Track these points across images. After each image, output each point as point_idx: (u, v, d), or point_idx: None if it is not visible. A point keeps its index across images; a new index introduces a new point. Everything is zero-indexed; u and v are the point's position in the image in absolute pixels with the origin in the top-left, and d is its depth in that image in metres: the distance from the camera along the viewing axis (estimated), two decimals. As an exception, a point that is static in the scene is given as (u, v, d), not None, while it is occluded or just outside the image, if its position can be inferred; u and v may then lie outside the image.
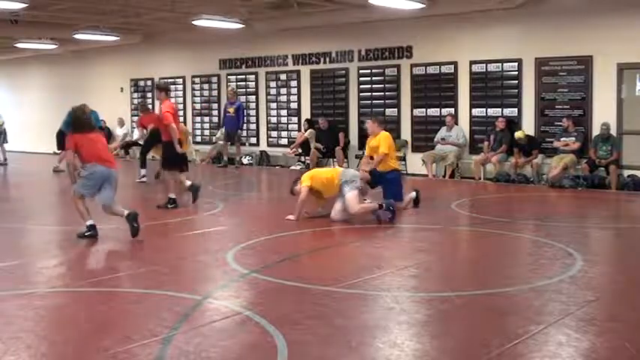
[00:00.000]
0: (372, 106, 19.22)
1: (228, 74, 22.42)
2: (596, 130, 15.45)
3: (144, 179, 16.01)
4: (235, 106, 19.70)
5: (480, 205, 10.35)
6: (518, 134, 15.80)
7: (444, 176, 17.19)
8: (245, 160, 20.02)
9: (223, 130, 20.18)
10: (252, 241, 9.18)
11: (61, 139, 18.95)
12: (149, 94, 24.13)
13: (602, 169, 15.07)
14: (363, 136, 19.10)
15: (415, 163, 17.92)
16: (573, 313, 5.88)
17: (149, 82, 24.48)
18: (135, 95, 25.13)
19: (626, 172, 15.10)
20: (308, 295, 6.52)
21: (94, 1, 17.32)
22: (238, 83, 22.04)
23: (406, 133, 18.62)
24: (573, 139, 15.47)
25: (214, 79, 22.84)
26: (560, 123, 15.81)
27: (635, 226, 11.17)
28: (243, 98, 21.13)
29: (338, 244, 9.24)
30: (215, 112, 22.89)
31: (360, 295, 6.50)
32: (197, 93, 23.46)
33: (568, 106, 15.97)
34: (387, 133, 12.17)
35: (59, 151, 18.67)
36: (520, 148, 15.99)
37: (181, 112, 23.69)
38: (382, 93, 19.07)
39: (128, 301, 6.58)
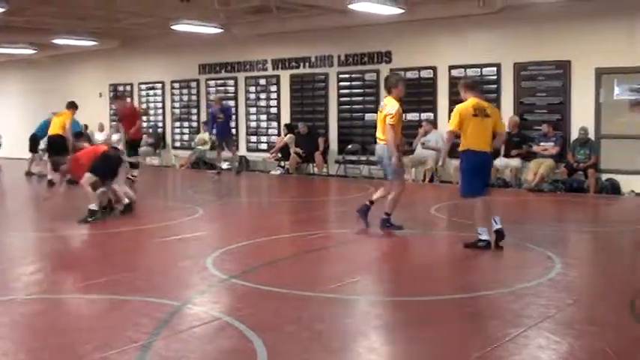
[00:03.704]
0: (352, 111, 19.24)
1: (208, 79, 22.38)
2: (574, 135, 15.54)
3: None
4: (223, 110, 19.41)
5: (458, 210, 10.41)
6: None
7: (424, 180, 17.21)
8: (224, 165, 19.96)
9: (214, 137, 19.86)
10: (232, 246, 9.15)
11: (34, 142, 19.01)
12: (128, 100, 24.04)
13: (581, 172, 15.16)
14: (342, 141, 19.18)
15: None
16: (552, 316, 5.90)
17: (128, 87, 24.42)
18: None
19: (605, 176, 15.20)
20: (287, 300, 6.50)
21: (72, 6, 17.22)
22: (218, 88, 22.00)
23: (386, 138, 18.60)
24: (552, 143, 15.54)
25: (193, 84, 22.79)
26: (539, 127, 15.89)
27: (614, 229, 11.23)
28: (213, 104, 21.02)
29: (316, 249, 9.23)
30: (194, 117, 22.84)
31: (339, 299, 6.50)
32: (176, 98, 23.39)
33: (547, 111, 16.06)
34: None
35: (31, 155, 19.23)
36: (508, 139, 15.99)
37: (160, 117, 23.70)
38: (362, 98, 19.09)
39: (107, 307, 6.53)
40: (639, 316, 5.96)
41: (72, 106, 16.91)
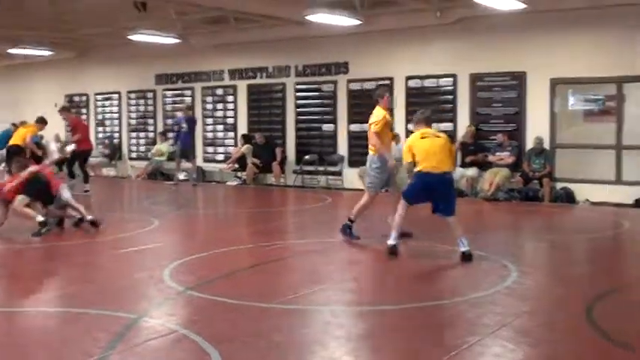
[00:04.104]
0: (309, 122, 19.26)
1: (164, 89, 22.26)
2: (529, 144, 15.71)
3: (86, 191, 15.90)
4: (187, 121, 19.26)
5: (415, 219, 10.43)
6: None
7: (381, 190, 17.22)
8: (181, 176, 19.83)
9: (177, 147, 19.71)
10: (189, 257, 9.09)
11: None
12: (84, 110, 23.88)
13: (536, 182, 15.32)
14: (300, 152, 19.17)
15: (352, 178, 17.96)
16: (509, 324, 5.94)
17: (84, 98, 24.20)
18: (71, 111, 24.71)
19: (559, 185, 15.38)
20: (245, 311, 6.46)
21: (28, 16, 17.05)
22: (174, 99, 21.90)
23: (343, 149, 18.67)
24: (508, 153, 15.69)
25: (150, 95, 22.64)
26: (495, 137, 16.03)
27: (568, 237, 11.36)
28: (179, 114, 20.90)
29: (274, 260, 9.19)
30: (151, 128, 22.69)
31: (297, 310, 6.48)
32: (133, 108, 23.22)
33: (502, 121, 16.21)
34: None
35: None
36: (464, 149, 16.13)
37: (117, 128, 23.50)
38: (319, 108, 19.11)
39: (62, 321, 6.45)
40: (595, 322, 6.02)
41: (41, 121, 17.08)
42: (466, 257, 8.59)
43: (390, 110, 10.30)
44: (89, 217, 11.12)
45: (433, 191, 8.93)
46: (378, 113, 10.18)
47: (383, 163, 10.09)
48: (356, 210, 10.22)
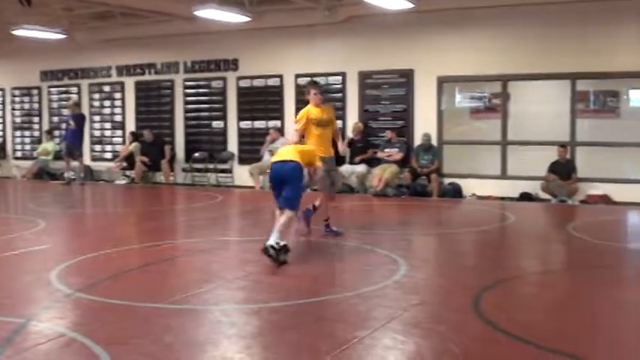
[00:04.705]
0: (199, 119, 19.13)
1: (50, 86, 21.73)
2: (417, 141, 16.01)
3: None
4: (74, 117, 18.81)
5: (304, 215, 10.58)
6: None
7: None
8: (68, 175, 19.35)
9: (64, 144, 19.23)
10: (77, 259, 8.87)
11: None
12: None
13: (424, 177, 15.61)
14: (190, 149, 19.02)
15: (242, 175, 17.93)
16: (399, 317, 6.02)
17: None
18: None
19: (447, 180, 15.73)
20: (135, 313, 6.35)
21: None
22: (60, 96, 21.40)
23: (233, 146, 18.62)
24: (396, 149, 15.94)
25: (35, 92, 22.06)
26: (384, 134, 16.26)
27: (456, 231, 11.61)
28: (65, 111, 20.43)
29: (165, 259, 9.08)
30: (36, 126, 22.11)
31: (188, 310, 6.41)
32: (17, 106, 22.58)
33: (391, 118, 16.46)
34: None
35: None
36: (353, 146, 16.26)
37: (0, 126, 22.80)
38: (208, 105, 19.01)
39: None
40: (482, 313, 6.15)
41: None
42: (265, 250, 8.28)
43: (317, 105, 9.91)
44: None
45: (274, 183, 8.94)
46: (302, 110, 10.03)
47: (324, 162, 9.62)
48: (320, 211, 10.21)
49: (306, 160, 8.87)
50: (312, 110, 9.95)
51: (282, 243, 8.21)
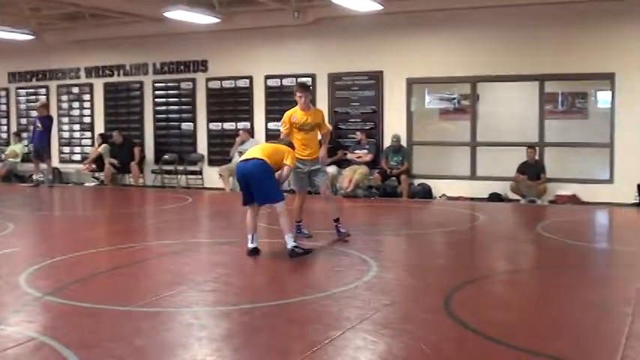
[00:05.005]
0: (168, 120, 19.06)
1: (18, 88, 21.53)
2: (387, 142, 16.05)
3: None
4: (41, 119, 18.57)
5: (275, 217, 10.45)
6: None
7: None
8: (36, 177, 19.15)
9: (32, 146, 19.01)
10: (46, 262, 8.78)
11: None
12: None
13: (394, 178, 15.65)
14: (159, 151, 18.94)
15: (212, 177, 17.88)
16: (370, 317, 6.03)
17: None
18: None
19: (417, 181, 15.79)
20: (105, 316, 6.31)
21: None
22: (29, 97, 21.21)
23: (202, 147, 18.57)
24: (366, 151, 15.98)
25: (3, 93, 21.86)
26: (354, 136, 16.30)
27: (426, 231, 11.65)
28: (33, 113, 20.24)
29: (135, 262, 9.02)
30: (4, 128, 21.90)
31: (159, 313, 6.37)
32: (-16, 108, 22.35)
33: (360, 119, 16.51)
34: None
35: None
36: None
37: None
38: (178, 107, 18.95)
39: None
40: (453, 313, 6.18)
41: None
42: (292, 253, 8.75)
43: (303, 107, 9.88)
44: None
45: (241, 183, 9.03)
46: (286, 113, 10.07)
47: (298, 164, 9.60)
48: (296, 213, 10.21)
49: (274, 159, 8.87)
50: (296, 113, 9.92)
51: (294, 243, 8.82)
